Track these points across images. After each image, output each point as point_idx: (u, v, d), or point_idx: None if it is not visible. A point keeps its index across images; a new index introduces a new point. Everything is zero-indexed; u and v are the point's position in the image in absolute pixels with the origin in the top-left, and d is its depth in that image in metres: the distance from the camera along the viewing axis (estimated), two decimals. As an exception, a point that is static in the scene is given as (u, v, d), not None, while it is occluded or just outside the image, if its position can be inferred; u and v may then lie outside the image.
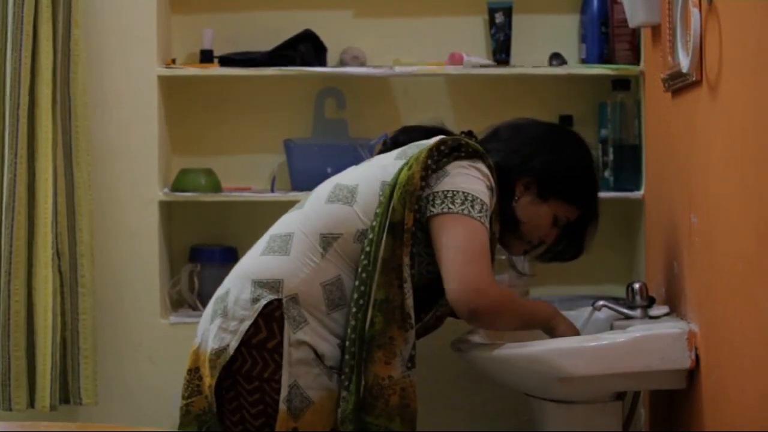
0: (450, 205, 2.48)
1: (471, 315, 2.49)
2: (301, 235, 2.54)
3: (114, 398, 3.23)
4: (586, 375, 2.48)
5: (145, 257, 3.25)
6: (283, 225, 2.61)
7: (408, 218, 2.46)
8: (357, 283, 2.47)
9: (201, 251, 3.36)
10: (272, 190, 3.36)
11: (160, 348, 3.25)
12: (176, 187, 3.30)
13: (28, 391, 3.09)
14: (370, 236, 2.47)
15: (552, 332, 2.62)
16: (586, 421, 2.62)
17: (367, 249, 2.47)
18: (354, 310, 2.47)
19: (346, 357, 2.47)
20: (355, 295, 2.47)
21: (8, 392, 3.07)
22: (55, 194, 3.09)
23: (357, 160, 3.22)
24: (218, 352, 2.49)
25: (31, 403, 3.09)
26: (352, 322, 2.47)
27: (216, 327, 2.52)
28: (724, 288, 2.22)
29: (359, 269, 2.48)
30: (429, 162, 2.50)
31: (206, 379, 2.50)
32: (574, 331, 2.62)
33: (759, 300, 1.97)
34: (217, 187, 3.32)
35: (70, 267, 3.14)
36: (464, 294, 2.46)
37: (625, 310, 2.67)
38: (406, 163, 2.52)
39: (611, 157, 3.27)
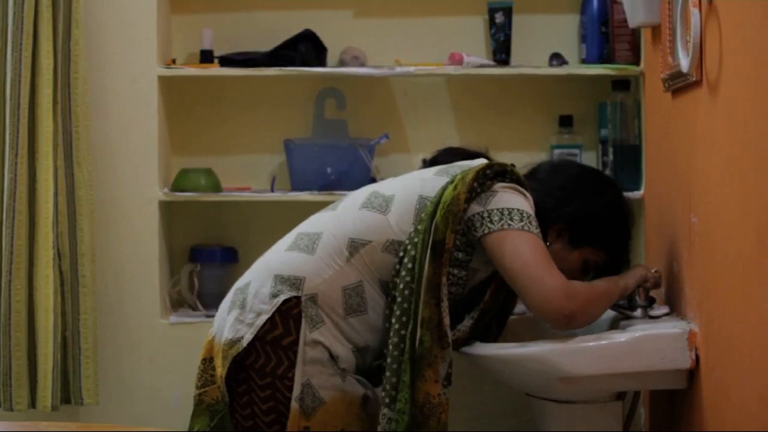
0: (509, 222, 2.49)
1: (569, 320, 2.48)
2: (329, 236, 2.54)
3: (114, 398, 3.23)
4: (586, 375, 2.48)
5: (145, 257, 3.25)
6: (312, 224, 2.61)
7: (449, 238, 2.47)
8: (399, 300, 2.47)
9: (201, 251, 3.36)
10: (272, 190, 3.36)
11: (160, 348, 3.25)
12: (176, 187, 3.30)
13: (30, 391, 3.09)
14: (413, 253, 2.47)
15: (625, 293, 2.62)
16: (586, 421, 2.62)
17: (410, 266, 2.47)
18: (397, 326, 2.46)
19: (387, 374, 2.46)
20: (398, 312, 2.47)
21: (9, 392, 3.07)
22: (56, 194, 3.10)
23: (357, 161, 3.23)
24: (231, 343, 2.49)
25: (33, 403, 3.09)
26: (395, 339, 2.46)
27: (233, 318, 2.52)
28: (724, 288, 2.22)
29: (400, 285, 2.47)
30: (475, 184, 2.50)
31: (219, 369, 2.51)
32: (637, 273, 2.63)
33: (759, 300, 1.97)
34: (217, 187, 3.32)
35: (70, 267, 3.14)
36: (555, 303, 2.46)
37: (626, 310, 2.67)
38: (451, 182, 2.51)
39: (611, 157, 3.27)
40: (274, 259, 2.58)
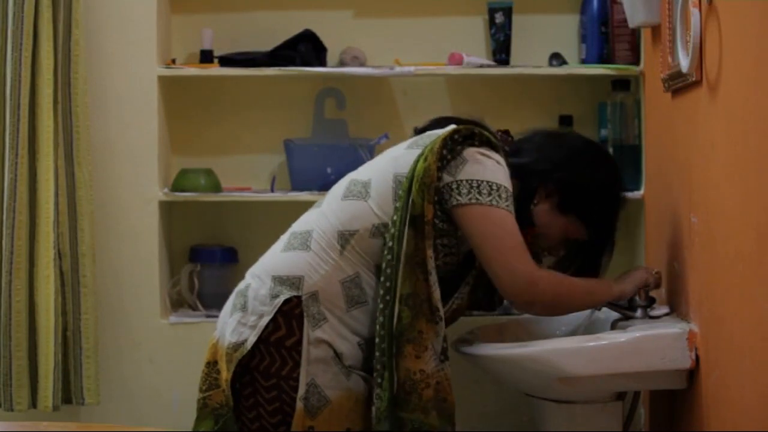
0: (477, 196, 2.48)
1: (528, 307, 2.55)
2: (319, 232, 2.54)
3: (113, 398, 3.23)
4: (586, 375, 2.48)
5: (145, 257, 3.25)
6: (303, 223, 2.62)
7: (428, 210, 2.46)
8: (382, 279, 2.47)
9: (201, 251, 3.36)
10: (272, 190, 3.36)
11: (160, 348, 3.25)
12: (176, 187, 3.30)
13: (30, 392, 3.09)
14: (392, 231, 2.47)
15: (621, 298, 2.62)
16: (586, 421, 2.62)
17: (390, 244, 2.47)
18: (381, 306, 2.46)
19: (377, 354, 2.46)
20: (381, 292, 2.47)
21: (9, 392, 3.07)
22: (57, 194, 3.09)
23: (357, 160, 3.22)
24: (235, 346, 2.49)
25: (33, 404, 3.09)
26: (380, 319, 2.46)
27: (235, 321, 2.53)
28: (724, 288, 2.22)
29: (383, 265, 2.47)
30: (444, 152, 2.50)
31: (224, 373, 2.51)
32: (637, 278, 2.62)
33: (759, 300, 1.97)
34: (216, 187, 3.32)
35: (71, 267, 3.14)
36: (517, 288, 2.49)
37: (626, 311, 2.67)
38: (421, 155, 2.50)
39: (611, 157, 3.27)
40: (270, 261, 2.59)
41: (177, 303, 3.39)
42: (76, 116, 3.13)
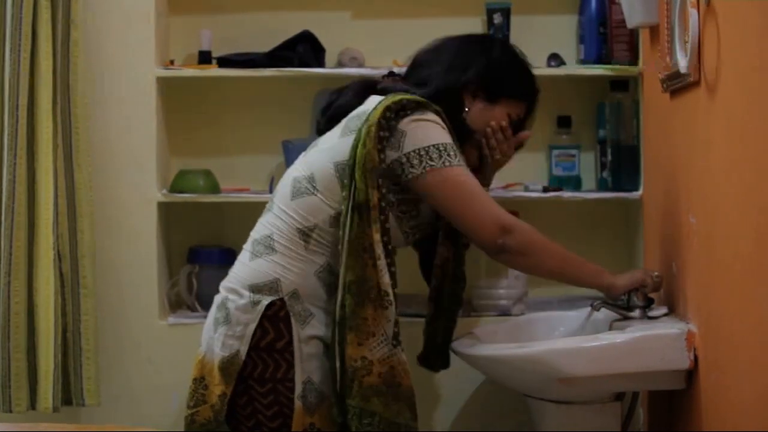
0: (429, 162, 2.50)
1: (499, 251, 2.53)
2: (279, 234, 2.55)
3: (112, 399, 3.22)
4: (585, 375, 2.48)
5: (143, 258, 3.25)
6: (260, 229, 2.62)
7: (372, 195, 2.47)
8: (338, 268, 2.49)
9: (199, 252, 3.36)
10: (270, 191, 3.35)
11: (159, 349, 3.25)
12: (175, 188, 3.30)
13: (30, 393, 3.08)
14: (342, 219, 2.48)
15: (611, 290, 2.62)
16: (585, 421, 2.62)
17: (340, 233, 2.48)
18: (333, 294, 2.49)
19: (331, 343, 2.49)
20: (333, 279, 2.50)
21: (8, 394, 3.06)
22: (56, 195, 3.09)
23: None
24: (230, 360, 2.50)
25: (33, 405, 3.09)
26: (332, 307, 2.49)
27: (221, 335, 2.53)
28: (723, 288, 2.22)
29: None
30: (381, 134, 2.50)
31: (214, 388, 2.51)
32: (633, 277, 2.62)
33: (757, 300, 1.98)
34: (215, 188, 3.32)
35: (71, 268, 3.13)
36: (489, 233, 2.51)
37: (624, 311, 2.67)
38: (358, 140, 2.51)
39: (610, 157, 3.27)
40: (242, 272, 2.59)
41: (176, 304, 3.39)
42: (75, 117, 3.13)
